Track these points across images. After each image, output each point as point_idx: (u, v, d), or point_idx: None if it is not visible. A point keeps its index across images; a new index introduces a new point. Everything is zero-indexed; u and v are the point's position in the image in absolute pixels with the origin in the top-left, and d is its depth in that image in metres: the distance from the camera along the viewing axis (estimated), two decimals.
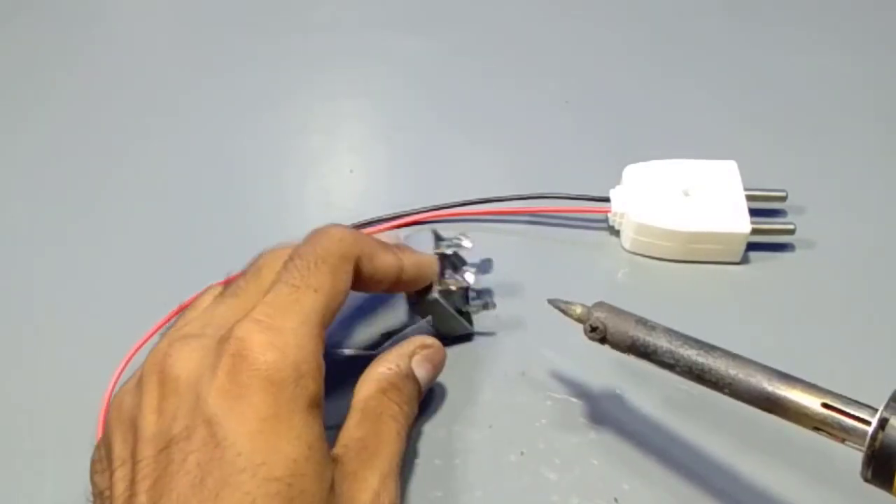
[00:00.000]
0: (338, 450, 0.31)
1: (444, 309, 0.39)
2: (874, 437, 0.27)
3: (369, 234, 0.35)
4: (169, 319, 0.40)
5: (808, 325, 0.42)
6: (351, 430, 0.32)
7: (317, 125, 0.52)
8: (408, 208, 0.46)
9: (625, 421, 0.38)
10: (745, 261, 0.45)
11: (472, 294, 0.40)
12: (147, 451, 0.28)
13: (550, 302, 0.36)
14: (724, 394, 0.31)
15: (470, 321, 0.40)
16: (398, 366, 0.34)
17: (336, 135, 0.52)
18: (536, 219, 0.46)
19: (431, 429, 0.38)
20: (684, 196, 0.44)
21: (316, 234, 0.33)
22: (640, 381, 0.40)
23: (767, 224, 0.44)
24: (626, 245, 0.45)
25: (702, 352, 0.31)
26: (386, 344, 0.37)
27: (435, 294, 0.38)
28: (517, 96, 0.54)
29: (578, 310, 0.35)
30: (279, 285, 0.31)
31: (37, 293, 0.43)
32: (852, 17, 0.59)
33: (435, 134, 0.51)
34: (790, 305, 0.43)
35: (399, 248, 0.36)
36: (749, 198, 0.44)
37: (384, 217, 0.46)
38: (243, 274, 0.34)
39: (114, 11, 0.60)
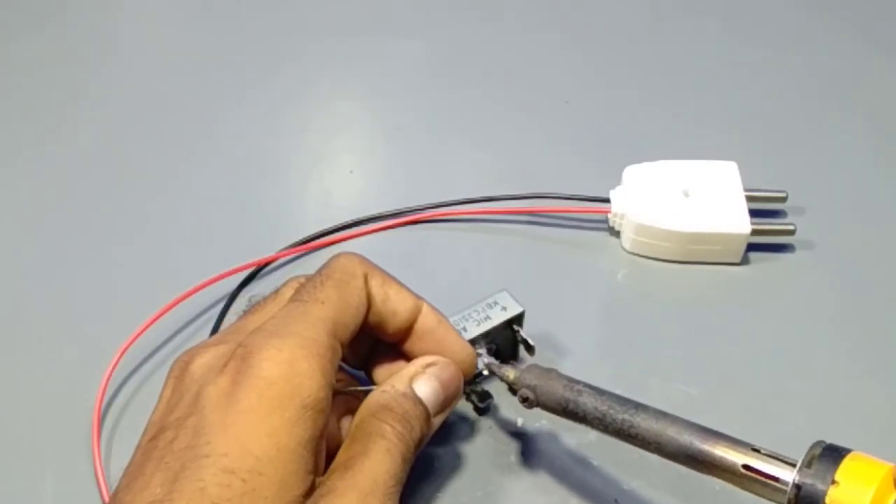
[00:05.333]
0: (327, 473, 0.31)
1: None
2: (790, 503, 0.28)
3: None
4: (162, 315, 0.40)
5: (807, 325, 0.42)
6: (340, 453, 0.31)
7: (317, 126, 0.52)
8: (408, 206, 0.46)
9: None
10: (745, 261, 0.45)
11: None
12: (144, 439, 0.30)
13: (486, 366, 0.36)
14: (652, 452, 0.31)
15: None
16: (393, 387, 0.33)
17: (336, 135, 0.52)
18: (536, 219, 0.46)
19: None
20: (684, 196, 0.44)
21: (327, 261, 0.34)
22: (640, 381, 0.40)
23: (767, 224, 0.44)
24: (626, 246, 0.45)
25: (627, 414, 0.32)
26: None
27: None
28: (517, 96, 0.54)
29: (511, 374, 0.35)
30: (290, 303, 0.32)
31: (32, 291, 0.43)
32: (851, 17, 0.59)
33: (435, 134, 0.51)
34: (790, 305, 0.43)
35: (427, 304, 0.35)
36: (749, 198, 0.44)
37: (384, 214, 0.46)
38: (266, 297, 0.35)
39: (115, 12, 0.60)
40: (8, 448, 0.38)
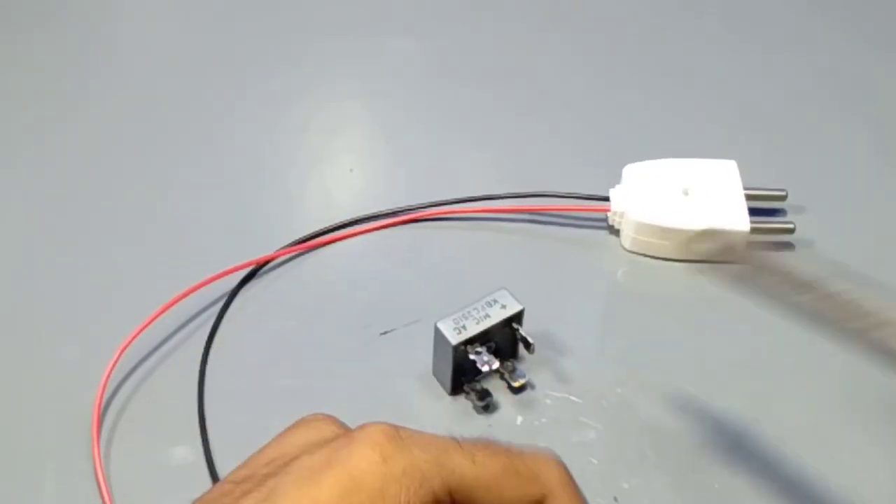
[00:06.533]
0: None
1: (445, 344, 0.37)
2: None
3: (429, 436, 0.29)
4: (162, 313, 0.40)
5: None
6: None
7: (317, 125, 0.52)
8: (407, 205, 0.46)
9: (625, 420, 0.38)
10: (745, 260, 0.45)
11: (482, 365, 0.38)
12: (232, 475, 0.26)
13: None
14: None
15: (451, 384, 0.39)
16: None
17: (336, 135, 0.52)
18: (536, 218, 0.46)
19: (430, 428, 0.38)
20: (684, 195, 0.44)
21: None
22: (640, 380, 0.40)
23: (767, 223, 0.44)
24: (626, 244, 0.45)
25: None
26: None
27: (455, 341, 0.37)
28: (517, 96, 0.54)
29: None
30: None
31: (32, 290, 0.43)
32: (851, 17, 0.59)
33: (435, 134, 0.51)
34: None
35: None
36: (749, 197, 0.44)
37: (384, 212, 0.46)
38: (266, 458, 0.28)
39: (115, 12, 0.60)
40: (8, 448, 0.38)
